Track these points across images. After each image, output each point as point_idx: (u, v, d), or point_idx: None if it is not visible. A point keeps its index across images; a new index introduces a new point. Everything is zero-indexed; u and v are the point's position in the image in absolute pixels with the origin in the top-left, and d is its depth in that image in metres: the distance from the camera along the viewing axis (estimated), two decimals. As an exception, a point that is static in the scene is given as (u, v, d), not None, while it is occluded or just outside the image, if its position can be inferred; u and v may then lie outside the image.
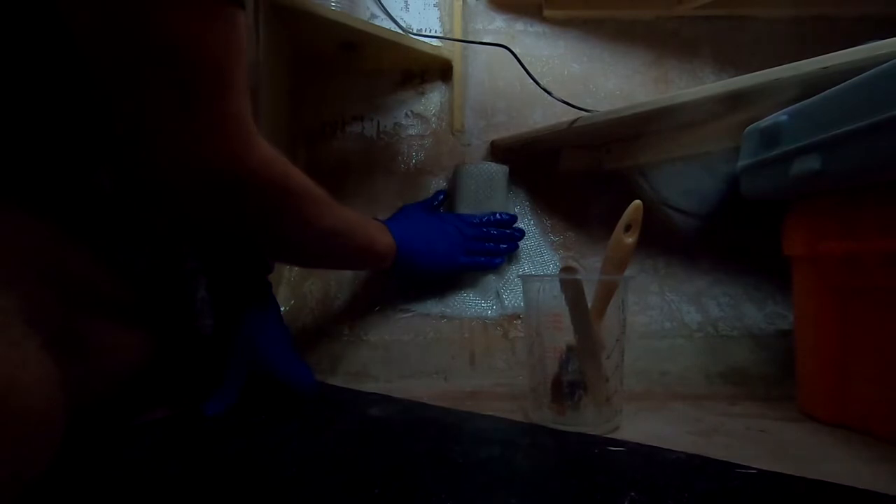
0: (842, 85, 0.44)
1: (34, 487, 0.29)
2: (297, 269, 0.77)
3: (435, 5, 0.83)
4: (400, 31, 0.78)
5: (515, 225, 0.76)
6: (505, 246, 0.74)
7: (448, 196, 0.78)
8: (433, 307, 0.73)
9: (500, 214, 0.75)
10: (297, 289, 0.76)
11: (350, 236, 0.57)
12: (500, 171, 0.77)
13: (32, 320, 0.31)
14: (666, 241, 0.73)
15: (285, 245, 0.55)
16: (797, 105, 0.50)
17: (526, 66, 0.78)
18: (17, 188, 0.42)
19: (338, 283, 0.76)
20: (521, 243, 0.76)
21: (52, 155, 0.45)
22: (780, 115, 0.51)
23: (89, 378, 0.42)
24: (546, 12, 0.86)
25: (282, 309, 0.73)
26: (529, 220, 0.78)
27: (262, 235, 0.51)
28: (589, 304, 0.46)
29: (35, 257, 0.41)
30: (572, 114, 0.72)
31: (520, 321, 0.71)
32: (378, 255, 0.62)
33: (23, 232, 0.41)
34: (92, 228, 0.48)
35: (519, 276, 0.74)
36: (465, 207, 0.76)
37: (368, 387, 0.62)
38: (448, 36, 0.82)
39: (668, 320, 0.70)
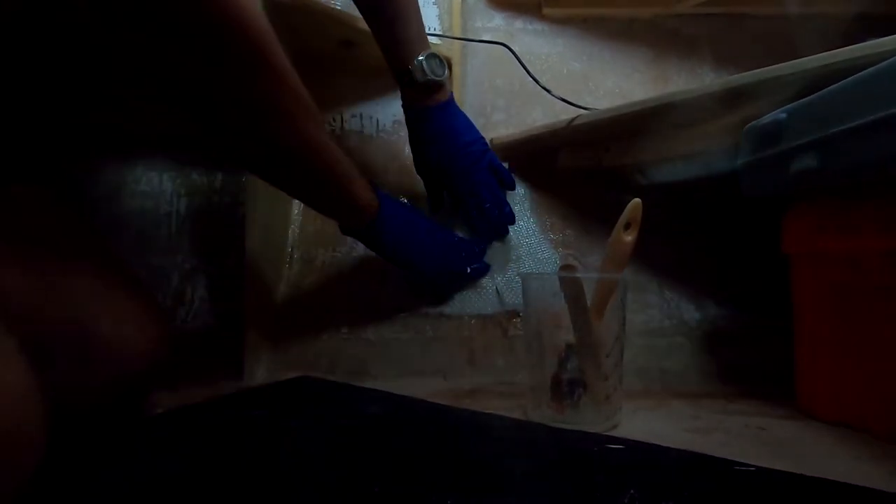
0: (841, 83, 0.44)
1: (33, 487, 0.29)
2: (296, 267, 0.77)
3: (434, 3, 0.83)
4: (399, 29, 0.77)
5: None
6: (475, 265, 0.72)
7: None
8: (432, 305, 0.73)
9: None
10: (296, 286, 0.75)
11: (327, 161, 0.52)
12: (499, 169, 0.77)
13: (11, 320, 0.29)
14: (665, 240, 0.73)
15: (251, 136, 0.48)
16: (796, 103, 0.50)
17: (525, 64, 0.78)
18: (13, 177, 0.41)
19: (338, 281, 0.76)
20: (521, 241, 0.76)
21: (45, 143, 0.45)
22: (780, 113, 0.51)
23: (88, 378, 0.42)
24: (545, 10, 0.86)
25: (280, 307, 0.74)
26: (529, 219, 0.78)
27: (231, 111, 0.45)
28: (588, 303, 0.46)
29: (25, 257, 0.41)
30: (571, 112, 0.72)
31: (519, 319, 0.71)
32: (354, 203, 0.58)
33: (16, 230, 0.41)
34: (91, 226, 0.48)
35: (518, 274, 0.74)
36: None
37: (368, 385, 0.62)
38: (447, 34, 0.82)
39: (668, 318, 0.70)
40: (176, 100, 0.46)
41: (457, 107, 0.69)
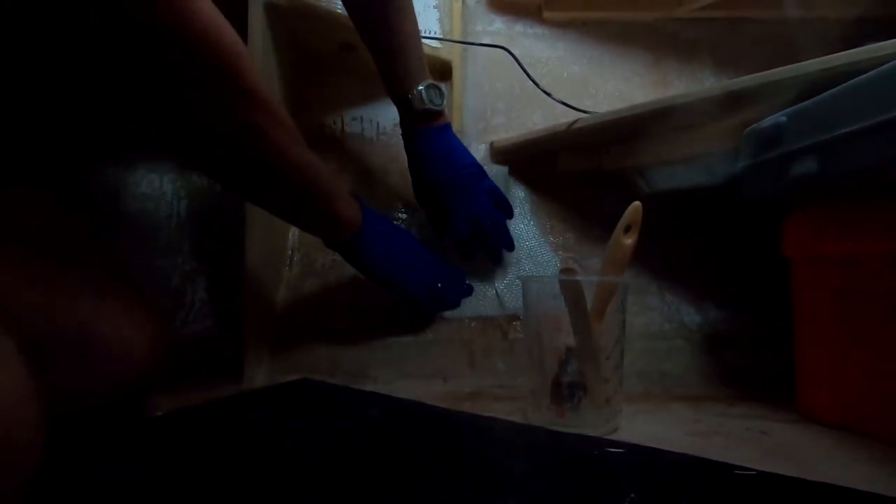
0: (841, 86, 0.44)
1: (33, 488, 0.29)
2: (296, 270, 0.77)
3: (434, 6, 0.83)
4: (400, 32, 0.78)
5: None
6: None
7: None
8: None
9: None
10: (296, 289, 0.75)
11: (303, 177, 0.52)
12: (499, 172, 0.77)
13: (10, 321, 0.29)
14: (665, 242, 0.73)
15: (219, 151, 0.47)
16: (796, 106, 0.50)
17: (525, 67, 0.78)
18: (13, 179, 0.41)
19: (338, 283, 0.76)
20: (521, 244, 0.76)
21: (46, 145, 0.45)
22: (780, 117, 0.51)
23: (88, 379, 0.42)
24: (545, 14, 0.86)
25: (280, 309, 0.74)
26: (529, 222, 0.78)
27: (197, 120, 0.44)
28: (589, 306, 0.46)
29: (26, 258, 0.41)
30: (572, 115, 0.72)
31: (519, 322, 0.71)
32: (333, 218, 0.57)
33: (17, 232, 0.41)
34: (91, 228, 0.48)
35: (518, 277, 0.74)
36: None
37: (368, 388, 0.62)
38: (447, 37, 0.82)
39: (668, 321, 0.70)
40: (144, 113, 0.46)
41: (454, 133, 0.70)
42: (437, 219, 0.73)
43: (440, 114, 0.68)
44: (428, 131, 0.67)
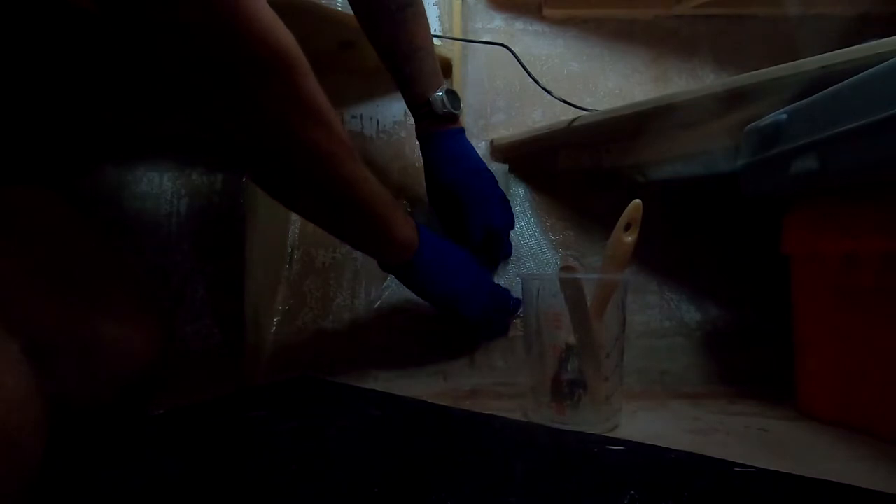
0: (841, 84, 0.44)
1: (33, 487, 0.29)
2: (296, 267, 0.77)
3: (434, 4, 0.83)
4: (399, 29, 0.77)
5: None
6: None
7: None
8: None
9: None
10: (296, 288, 0.75)
11: (361, 197, 0.50)
12: (499, 170, 0.77)
13: (13, 322, 0.29)
14: (665, 240, 0.73)
15: (280, 161, 0.46)
16: (796, 104, 0.50)
17: (525, 65, 0.78)
18: (15, 178, 0.41)
19: (337, 282, 0.76)
20: (521, 242, 0.76)
21: (51, 144, 0.45)
22: (780, 114, 0.51)
23: (89, 379, 0.42)
24: (545, 11, 0.86)
25: (280, 308, 0.74)
26: (529, 219, 0.78)
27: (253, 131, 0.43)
28: (589, 303, 0.46)
29: (28, 259, 0.41)
30: (572, 113, 0.72)
31: (519, 320, 0.71)
32: (390, 241, 0.54)
33: (19, 231, 0.41)
34: (93, 227, 0.48)
35: (519, 275, 0.74)
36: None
37: (368, 386, 0.62)
38: (447, 35, 0.82)
39: (668, 319, 0.70)
40: (190, 115, 0.45)
41: (467, 139, 0.71)
42: (449, 221, 0.72)
43: (456, 118, 0.69)
44: (446, 134, 0.68)
